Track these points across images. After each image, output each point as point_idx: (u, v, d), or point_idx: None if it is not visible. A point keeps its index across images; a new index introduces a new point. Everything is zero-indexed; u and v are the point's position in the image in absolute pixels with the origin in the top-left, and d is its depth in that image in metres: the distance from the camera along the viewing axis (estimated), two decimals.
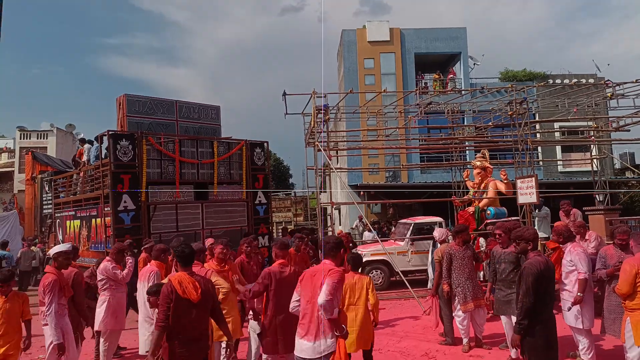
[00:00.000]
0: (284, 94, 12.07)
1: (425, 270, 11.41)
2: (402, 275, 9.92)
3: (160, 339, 3.82)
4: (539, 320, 4.03)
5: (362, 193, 20.70)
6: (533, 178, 10.27)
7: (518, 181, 10.83)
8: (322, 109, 11.49)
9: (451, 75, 23.52)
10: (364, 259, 11.28)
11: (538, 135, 16.67)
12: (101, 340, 6.00)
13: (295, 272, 4.77)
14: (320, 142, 12.31)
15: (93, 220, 10.71)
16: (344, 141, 15.91)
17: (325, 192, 19.67)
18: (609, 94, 13.56)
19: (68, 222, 12.23)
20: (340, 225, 22.57)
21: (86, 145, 12.18)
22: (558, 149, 22.40)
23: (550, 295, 4.14)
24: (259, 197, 11.99)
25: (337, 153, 16.21)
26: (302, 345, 3.72)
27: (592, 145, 15.90)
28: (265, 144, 12.53)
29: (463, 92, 16.37)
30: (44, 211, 16.95)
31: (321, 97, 11.86)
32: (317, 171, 13.07)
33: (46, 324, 4.61)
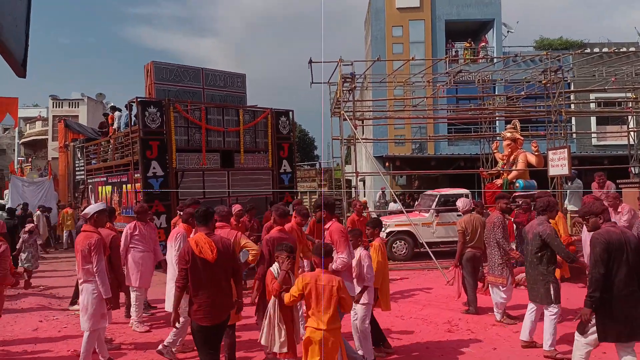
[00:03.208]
0: (310, 62, 11.92)
1: (450, 242, 11.35)
2: (426, 246, 9.89)
3: (180, 297, 4.00)
4: (618, 295, 3.80)
5: (387, 164, 20.54)
6: (565, 149, 9.98)
7: (550, 152, 10.54)
8: (350, 76, 11.30)
9: (483, 44, 22.73)
10: (388, 229, 11.30)
11: (572, 106, 16.03)
12: (133, 296, 6.27)
13: (294, 239, 4.85)
14: (346, 111, 12.19)
15: (124, 185, 11.00)
16: (370, 111, 15.71)
17: (350, 164, 19.59)
18: None
19: (100, 187, 12.60)
20: (364, 196, 22.56)
21: (116, 113, 12.39)
22: (593, 121, 21.61)
23: (629, 268, 3.84)
24: (284, 165, 12.04)
25: (362, 123, 16.05)
26: None
27: (629, 117, 15.25)
28: (291, 113, 12.48)
29: (495, 61, 15.82)
30: (77, 177, 17.48)
31: (348, 64, 11.66)
32: (342, 141, 13.00)
33: (88, 281, 4.80)
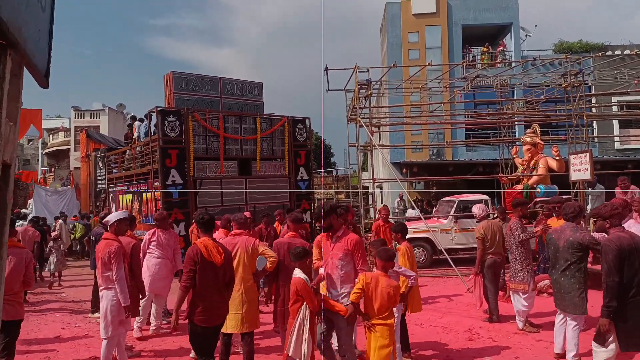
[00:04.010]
0: (326, 69, 11.95)
1: (470, 249, 11.19)
2: (445, 253, 9.77)
3: (183, 298, 4.07)
4: (633, 302, 3.72)
5: (404, 170, 20.41)
6: (587, 154, 9.77)
7: (571, 157, 10.34)
8: (366, 83, 11.30)
9: (501, 48, 22.50)
10: (406, 236, 11.17)
11: (594, 109, 15.75)
12: (141, 302, 6.31)
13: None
14: (363, 118, 12.18)
15: (144, 194, 11.16)
16: (387, 117, 15.66)
17: (366, 171, 19.52)
18: None
19: (121, 196, 12.82)
20: (381, 203, 22.44)
21: (136, 123, 12.63)
22: (615, 124, 21.12)
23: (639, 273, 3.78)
24: (301, 173, 12.07)
25: (379, 129, 16.00)
26: None
27: None
28: (307, 121, 12.53)
29: (513, 65, 15.63)
30: (98, 186, 17.83)
31: (364, 71, 11.66)
32: (359, 148, 12.97)
33: (107, 288, 4.87)
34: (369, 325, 3.98)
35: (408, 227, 11.48)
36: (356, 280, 4.19)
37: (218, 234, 5.66)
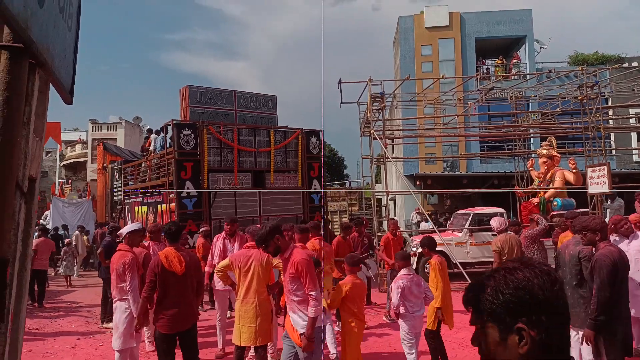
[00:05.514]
0: (340, 82, 12.01)
1: (485, 263, 11.02)
2: (460, 267, 9.65)
3: (144, 306, 4.32)
4: (617, 315, 3.78)
5: (418, 183, 20.31)
6: (605, 166, 9.62)
7: (588, 170, 10.19)
8: (379, 95, 11.33)
9: (515, 60, 22.41)
10: (420, 249, 11.07)
11: (611, 121, 15.52)
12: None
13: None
14: (376, 130, 12.19)
15: (159, 206, 11.26)
16: (400, 130, 15.65)
17: (380, 183, 19.48)
18: None
19: (136, 207, 12.95)
20: (395, 215, 22.31)
21: (152, 135, 12.80)
22: (633, 136, 20.79)
23: (625, 287, 3.88)
24: (314, 185, 12.08)
25: (393, 142, 15.97)
26: None
27: None
28: (321, 133, 12.56)
29: (528, 77, 15.52)
30: (114, 198, 18.03)
31: (377, 84, 11.70)
32: (373, 160, 12.96)
33: (121, 299, 4.91)
34: (355, 326, 4.31)
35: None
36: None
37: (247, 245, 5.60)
